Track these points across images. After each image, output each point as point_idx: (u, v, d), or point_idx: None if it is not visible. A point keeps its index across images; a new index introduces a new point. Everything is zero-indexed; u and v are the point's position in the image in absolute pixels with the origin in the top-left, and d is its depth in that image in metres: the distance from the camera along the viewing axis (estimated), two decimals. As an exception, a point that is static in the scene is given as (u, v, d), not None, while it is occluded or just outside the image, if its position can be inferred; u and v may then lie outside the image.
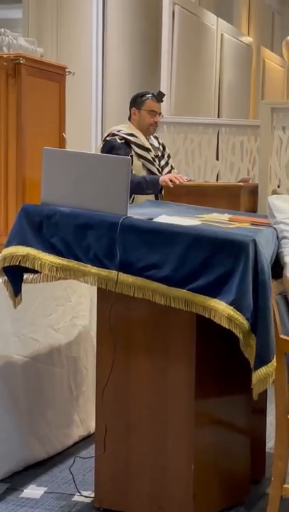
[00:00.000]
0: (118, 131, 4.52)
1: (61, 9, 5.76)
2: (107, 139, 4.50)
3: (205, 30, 7.30)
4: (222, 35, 7.69)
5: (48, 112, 3.83)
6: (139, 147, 4.49)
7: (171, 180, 4.37)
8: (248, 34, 9.38)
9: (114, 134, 4.49)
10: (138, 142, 4.49)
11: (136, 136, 4.51)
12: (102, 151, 4.43)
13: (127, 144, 4.46)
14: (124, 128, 4.56)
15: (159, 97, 4.60)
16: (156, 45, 6.62)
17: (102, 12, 6.19)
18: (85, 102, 6.05)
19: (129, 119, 4.63)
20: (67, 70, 3.95)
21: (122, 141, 4.46)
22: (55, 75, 3.86)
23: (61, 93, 3.91)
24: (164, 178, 4.40)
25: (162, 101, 4.63)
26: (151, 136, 4.67)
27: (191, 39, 6.78)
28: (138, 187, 4.32)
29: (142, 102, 4.57)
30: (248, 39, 8.98)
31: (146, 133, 4.59)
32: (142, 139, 4.53)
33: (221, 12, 8.11)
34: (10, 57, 3.56)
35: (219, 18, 7.66)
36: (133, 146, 4.47)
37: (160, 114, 4.64)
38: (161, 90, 4.69)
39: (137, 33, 6.78)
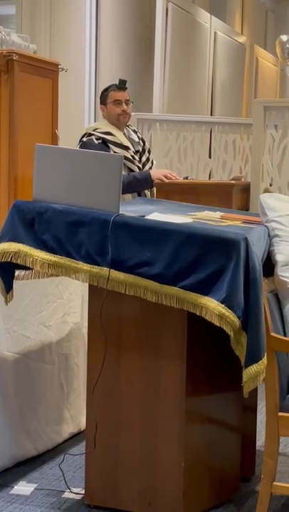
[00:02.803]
0: (94, 130, 4.37)
1: (54, 5, 5.75)
2: (84, 139, 4.33)
3: (198, 28, 7.30)
4: (215, 33, 7.70)
5: (40, 109, 3.83)
6: (117, 146, 4.33)
7: (166, 177, 4.32)
8: (242, 32, 9.39)
9: (90, 134, 4.34)
10: (116, 141, 4.33)
11: (113, 135, 4.35)
12: None
13: (105, 143, 4.31)
14: (100, 126, 4.41)
15: (120, 84, 4.42)
16: (150, 43, 6.62)
17: (95, 9, 6.19)
18: (77, 99, 6.04)
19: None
20: (60, 66, 3.94)
21: (99, 140, 4.30)
22: (48, 71, 3.86)
23: (54, 90, 3.90)
24: (157, 176, 4.35)
25: (125, 88, 4.43)
26: (130, 131, 4.52)
27: (184, 37, 6.79)
28: (129, 187, 4.23)
29: (105, 97, 4.43)
30: (241, 37, 8.98)
31: (119, 125, 4.41)
32: (119, 137, 4.38)
33: (214, 10, 8.12)
34: (3, 53, 3.55)
35: (213, 16, 7.67)
36: (111, 145, 4.30)
37: (128, 101, 4.42)
38: (121, 78, 4.49)
39: (130, 30, 6.78)
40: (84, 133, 4.43)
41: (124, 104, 4.40)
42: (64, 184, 2.93)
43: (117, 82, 4.44)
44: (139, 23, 6.92)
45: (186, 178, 4.63)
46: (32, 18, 5.60)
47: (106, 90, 4.47)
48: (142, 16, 6.96)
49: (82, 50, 6.13)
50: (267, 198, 3.20)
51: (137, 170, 4.40)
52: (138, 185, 4.29)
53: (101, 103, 4.48)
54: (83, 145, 4.32)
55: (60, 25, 5.82)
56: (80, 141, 4.38)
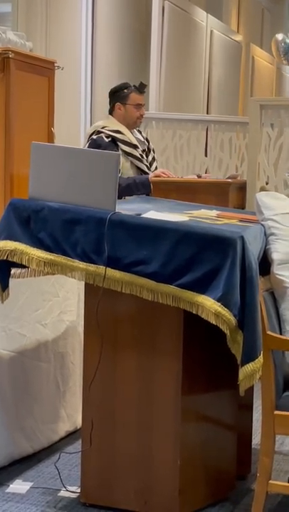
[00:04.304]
0: (103, 127, 4.39)
1: (50, 3, 5.74)
2: (94, 137, 4.36)
3: (195, 27, 7.30)
4: (212, 31, 7.69)
5: (36, 107, 3.82)
6: (126, 144, 4.37)
7: (160, 177, 4.34)
8: (238, 31, 9.39)
9: (99, 132, 4.36)
10: (125, 139, 4.37)
11: (122, 133, 4.39)
12: None
13: (114, 141, 4.34)
14: (109, 124, 4.43)
15: (142, 88, 4.47)
16: (146, 41, 6.62)
17: (91, 7, 6.18)
18: (73, 97, 6.03)
19: (110, 113, 4.51)
20: (56, 64, 3.94)
21: (109, 139, 4.33)
22: (44, 69, 3.85)
23: (50, 88, 3.90)
24: (153, 175, 4.36)
25: (145, 92, 4.52)
26: (135, 130, 4.56)
27: (180, 35, 6.78)
28: (127, 189, 4.23)
29: (126, 97, 4.45)
30: (237, 36, 8.98)
31: (133, 127, 4.48)
32: (128, 136, 4.41)
33: (210, 8, 8.11)
34: (-1, 51, 3.55)
35: (209, 15, 7.66)
36: (120, 143, 4.34)
37: (144, 105, 4.54)
38: (142, 81, 4.55)
39: (126, 29, 6.77)
40: (93, 130, 4.44)
41: (142, 108, 4.48)
42: (60, 182, 2.92)
43: (138, 85, 4.46)
44: (135, 21, 6.91)
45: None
46: (28, 15, 5.59)
47: (124, 89, 4.47)
48: (138, 14, 6.96)
49: (78, 48, 6.12)
50: (263, 197, 3.20)
51: (145, 169, 4.44)
52: (136, 188, 4.29)
53: (118, 101, 4.46)
54: (93, 142, 4.34)
55: (56, 23, 5.82)
56: (90, 138, 4.40)
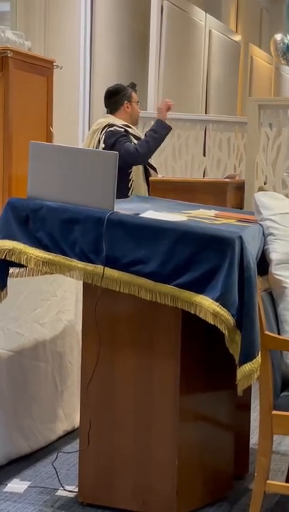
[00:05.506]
0: (113, 121, 4.51)
1: (49, 2, 5.75)
2: (110, 129, 4.47)
3: (193, 26, 7.30)
4: (210, 31, 7.70)
5: (35, 106, 3.82)
6: (136, 138, 4.50)
7: (167, 109, 4.47)
8: (237, 31, 9.40)
9: (112, 125, 4.48)
10: (134, 133, 4.52)
11: (132, 128, 4.54)
12: (108, 141, 4.39)
13: (127, 134, 4.47)
14: (115, 120, 4.54)
15: (135, 87, 4.68)
16: (145, 40, 6.62)
17: (90, 6, 6.19)
18: (72, 97, 6.04)
19: (111, 113, 4.60)
20: (55, 64, 3.94)
21: (123, 130, 4.47)
22: (42, 68, 3.85)
23: (49, 87, 3.90)
24: (164, 115, 4.48)
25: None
26: None
27: (179, 35, 6.79)
28: (154, 141, 4.35)
29: (130, 95, 4.60)
30: (236, 36, 8.99)
31: (136, 123, 4.65)
32: (136, 131, 4.57)
33: (209, 8, 8.12)
34: (-3, 50, 3.55)
35: (208, 15, 7.67)
36: (131, 136, 4.48)
37: None
38: (133, 82, 4.78)
39: (125, 28, 6.77)
40: (105, 124, 4.53)
41: None
42: (59, 181, 2.92)
43: (130, 85, 4.65)
44: (134, 20, 6.91)
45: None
46: (27, 15, 5.59)
47: (126, 89, 4.62)
48: (137, 13, 6.96)
49: (76, 47, 6.13)
50: (261, 197, 3.20)
51: (152, 162, 4.55)
52: (160, 136, 4.41)
53: (126, 100, 4.61)
54: (111, 133, 4.45)
55: (55, 22, 5.82)
56: (105, 130, 4.47)
